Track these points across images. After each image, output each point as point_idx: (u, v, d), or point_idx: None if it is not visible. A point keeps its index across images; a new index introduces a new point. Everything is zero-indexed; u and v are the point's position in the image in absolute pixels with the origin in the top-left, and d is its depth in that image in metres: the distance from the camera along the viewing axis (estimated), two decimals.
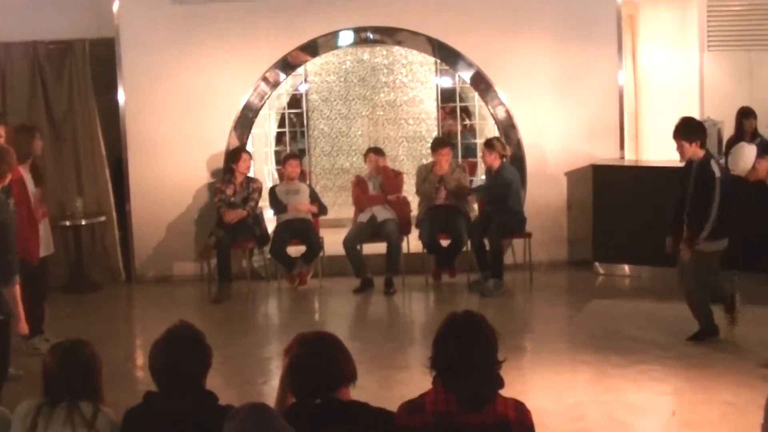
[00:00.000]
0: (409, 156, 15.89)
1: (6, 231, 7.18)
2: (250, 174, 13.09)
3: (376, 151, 13.07)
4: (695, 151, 9.53)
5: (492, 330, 4.54)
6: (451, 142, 13.68)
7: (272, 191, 13.06)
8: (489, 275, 12.16)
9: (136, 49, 13.32)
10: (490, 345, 4.50)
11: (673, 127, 9.69)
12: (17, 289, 7.24)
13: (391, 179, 12.82)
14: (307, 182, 14.22)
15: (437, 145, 12.85)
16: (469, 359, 4.42)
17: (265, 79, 13.43)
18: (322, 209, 13.13)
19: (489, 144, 12.47)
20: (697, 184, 9.50)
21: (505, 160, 12.48)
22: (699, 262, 9.50)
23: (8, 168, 7.70)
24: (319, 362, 4.53)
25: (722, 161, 11.95)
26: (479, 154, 14.64)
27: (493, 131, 13.92)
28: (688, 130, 9.59)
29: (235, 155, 12.86)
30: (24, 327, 7.45)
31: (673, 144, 9.71)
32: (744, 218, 9.85)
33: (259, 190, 12.86)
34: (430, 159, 12.90)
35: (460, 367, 4.42)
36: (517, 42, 13.34)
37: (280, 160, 13.80)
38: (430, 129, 15.79)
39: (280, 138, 15.95)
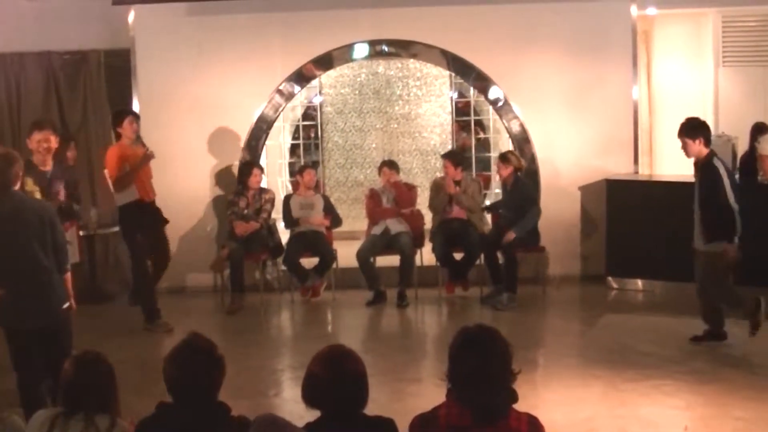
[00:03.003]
0: (423, 169, 15.89)
1: (56, 225, 7.53)
2: (263, 185, 13.12)
3: (390, 165, 13.06)
4: (699, 149, 9.67)
5: (507, 343, 4.52)
6: (459, 155, 13.57)
7: (286, 201, 13.08)
8: (502, 289, 12.15)
9: (151, 61, 13.37)
10: (506, 358, 4.48)
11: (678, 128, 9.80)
12: (69, 275, 7.72)
13: (404, 194, 12.81)
14: (321, 192, 14.12)
15: (444, 157, 12.90)
16: (486, 372, 4.39)
17: (279, 91, 13.46)
18: (336, 221, 13.14)
19: (504, 158, 12.46)
20: (703, 184, 9.59)
21: (519, 173, 12.47)
22: (710, 261, 9.62)
23: (18, 173, 7.76)
24: (334, 388, 4.51)
25: (736, 176, 11.97)
26: (493, 167, 14.65)
27: (507, 145, 13.91)
28: (690, 127, 9.75)
29: (245, 170, 12.91)
30: (73, 304, 7.81)
31: (687, 158, 9.76)
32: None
33: (272, 201, 12.88)
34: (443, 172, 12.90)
35: (476, 380, 4.40)
36: (531, 56, 13.36)
37: (296, 171, 13.77)
38: (445, 142, 15.79)
39: (294, 150, 15.95)
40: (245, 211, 12.67)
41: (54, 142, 9.82)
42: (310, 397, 4.56)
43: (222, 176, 13.50)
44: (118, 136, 11.53)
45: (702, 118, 10.22)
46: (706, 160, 9.62)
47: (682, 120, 9.89)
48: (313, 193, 13.10)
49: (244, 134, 13.45)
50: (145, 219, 11.43)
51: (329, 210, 13.08)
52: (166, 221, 11.92)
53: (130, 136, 11.40)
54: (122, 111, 11.89)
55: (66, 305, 7.57)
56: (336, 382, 4.50)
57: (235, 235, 12.57)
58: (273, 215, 13.05)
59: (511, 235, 12.08)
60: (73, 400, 4.89)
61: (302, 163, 15.23)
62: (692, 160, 9.87)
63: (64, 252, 7.60)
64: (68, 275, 7.69)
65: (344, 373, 4.53)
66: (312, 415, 4.59)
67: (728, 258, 9.57)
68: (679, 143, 9.81)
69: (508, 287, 12.11)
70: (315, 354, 4.65)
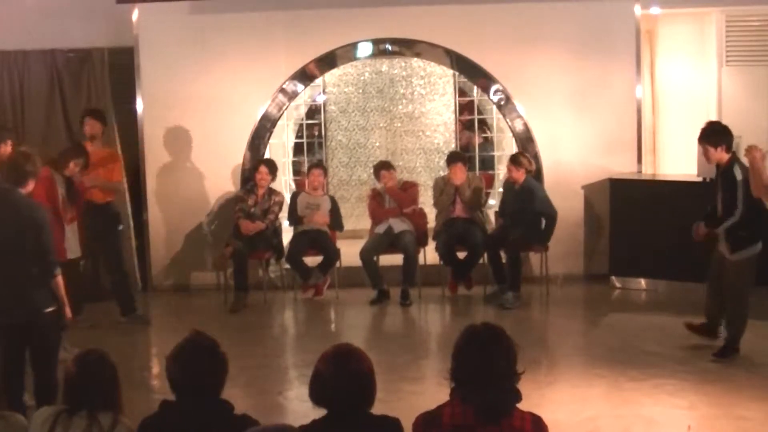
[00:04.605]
0: (427, 168, 15.87)
1: (42, 229, 7.42)
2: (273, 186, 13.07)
3: (386, 166, 13.04)
4: (720, 156, 9.44)
5: (512, 342, 4.52)
6: (466, 156, 13.60)
7: (294, 198, 13.09)
8: (505, 288, 12.15)
9: (155, 59, 13.36)
10: (511, 357, 4.48)
11: (699, 132, 9.65)
12: (60, 279, 7.57)
13: (401, 197, 12.80)
14: (328, 193, 13.96)
15: (451, 159, 12.84)
16: (491, 371, 4.40)
17: (283, 90, 13.45)
18: (337, 225, 13.06)
19: (516, 160, 12.41)
20: (723, 189, 9.44)
21: (529, 174, 12.48)
22: (738, 271, 9.46)
23: (33, 173, 7.81)
24: (338, 387, 4.49)
25: None
26: (496, 166, 14.66)
27: (510, 144, 13.90)
28: (712, 134, 9.52)
29: (254, 167, 12.92)
30: (68, 312, 7.71)
31: (690, 157, 9.70)
32: None
33: (280, 204, 12.84)
34: (447, 172, 12.88)
35: (481, 380, 4.41)
36: (535, 55, 13.35)
37: (303, 171, 13.74)
38: (448, 141, 15.77)
39: (298, 149, 15.92)
40: (252, 210, 12.65)
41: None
42: (316, 395, 4.56)
43: (225, 174, 13.48)
44: None
45: (720, 121, 9.97)
46: (727, 165, 9.48)
47: (685, 120, 9.83)
48: (322, 194, 13.06)
49: (247, 133, 13.44)
50: (88, 219, 11.44)
51: (334, 212, 13.03)
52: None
53: (86, 135, 11.72)
54: (84, 110, 12.32)
55: (51, 309, 7.45)
56: (340, 381, 4.48)
57: (240, 234, 12.56)
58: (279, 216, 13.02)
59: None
60: (76, 397, 4.90)
61: (306, 161, 15.24)
62: (695, 158, 9.78)
63: (48, 259, 7.46)
64: (58, 280, 7.53)
65: (349, 371, 4.51)
66: (318, 413, 4.58)
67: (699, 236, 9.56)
68: (684, 144, 9.76)
69: (512, 286, 12.11)
70: (323, 352, 4.64)
